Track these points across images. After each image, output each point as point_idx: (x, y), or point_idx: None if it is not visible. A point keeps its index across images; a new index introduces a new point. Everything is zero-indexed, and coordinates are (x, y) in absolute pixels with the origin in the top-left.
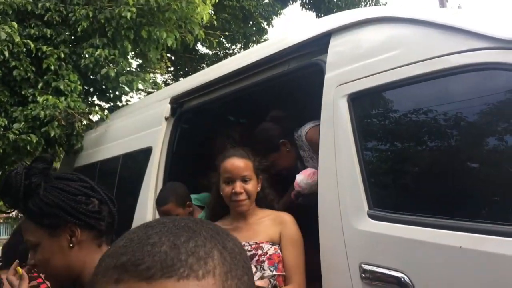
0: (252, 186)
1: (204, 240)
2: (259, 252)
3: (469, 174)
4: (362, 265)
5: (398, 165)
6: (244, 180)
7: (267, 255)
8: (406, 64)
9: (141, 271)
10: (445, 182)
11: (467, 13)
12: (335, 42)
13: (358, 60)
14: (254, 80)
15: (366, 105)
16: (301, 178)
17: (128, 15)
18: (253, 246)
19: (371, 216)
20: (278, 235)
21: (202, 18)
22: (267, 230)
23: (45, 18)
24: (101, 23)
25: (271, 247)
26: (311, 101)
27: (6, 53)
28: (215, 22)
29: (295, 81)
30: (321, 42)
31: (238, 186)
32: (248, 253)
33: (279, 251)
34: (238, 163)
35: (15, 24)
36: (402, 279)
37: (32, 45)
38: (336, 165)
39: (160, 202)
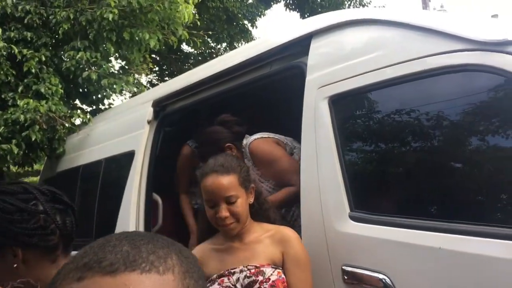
0: (241, 205)
1: (162, 244)
2: (260, 278)
3: (449, 175)
4: (344, 267)
5: (379, 167)
6: (229, 201)
7: (270, 281)
8: (386, 66)
9: (105, 267)
10: (425, 184)
11: (446, 15)
12: (316, 44)
13: (339, 62)
14: (236, 82)
15: (347, 107)
16: None
17: (110, 16)
18: (252, 271)
19: (353, 218)
20: (281, 256)
21: (185, 18)
22: (267, 250)
23: (25, 21)
24: (82, 26)
25: (273, 271)
26: (294, 102)
27: None
28: (199, 22)
29: (278, 82)
30: (302, 44)
31: (223, 210)
32: (247, 280)
33: (283, 276)
34: (219, 181)
35: None
36: (383, 280)
37: (16, 50)
38: (318, 167)
39: None
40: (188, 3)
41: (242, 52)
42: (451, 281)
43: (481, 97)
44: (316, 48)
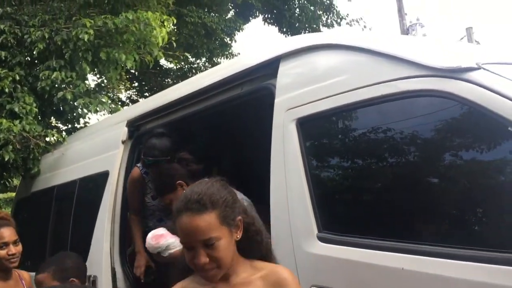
0: (223, 249)
1: None
2: None
3: (412, 197)
4: (313, 287)
5: (346, 188)
6: (208, 244)
7: None
8: (350, 90)
9: None
10: (389, 205)
11: (410, 40)
12: (284, 67)
13: (306, 85)
14: (209, 102)
15: (314, 128)
16: (149, 237)
17: (86, 37)
18: None
19: (321, 239)
20: None
21: (160, 41)
22: None
23: (0, 41)
24: (57, 45)
25: None
26: (264, 123)
27: None
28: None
29: (249, 104)
30: (271, 67)
31: (201, 256)
32: None
33: None
34: (194, 223)
35: None
36: None
37: None
38: (287, 188)
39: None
40: (163, 26)
41: (215, 73)
42: None
43: (439, 120)
44: (284, 70)
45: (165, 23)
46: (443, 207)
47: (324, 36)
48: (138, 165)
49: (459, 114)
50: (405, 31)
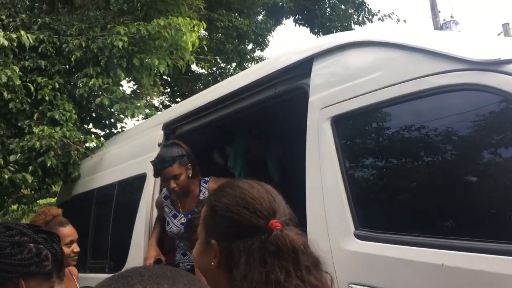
0: None
1: (184, 285)
2: None
3: (451, 192)
4: (351, 285)
5: (382, 185)
6: None
7: None
8: (386, 86)
9: None
10: (428, 201)
11: (444, 35)
12: (317, 66)
13: (340, 83)
14: (243, 104)
15: (349, 127)
16: None
17: (120, 44)
18: None
19: (358, 236)
20: None
21: (190, 46)
22: None
23: (39, 50)
24: (94, 53)
25: None
26: (299, 123)
27: (5, 94)
28: (205, 45)
29: (283, 104)
30: (304, 67)
31: None
32: None
33: None
34: None
35: (16, 68)
36: None
37: (32, 88)
38: (322, 186)
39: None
40: (193, 31)
41: (248, 75)
42: None
43: (477, 115)
44: (318, 70)
45: (196, 28)
46: (482, 203)
47: (356, 34)
48: (164, 190)
49: (499, 108)
50: (439, 29)
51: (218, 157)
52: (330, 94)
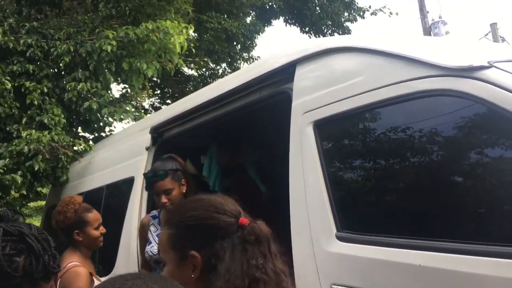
0: None
1: None
2: None
3: (429, 195)
4: (334, 286)
5: (363, 188)
6: None
7: None
8: (366, 91)
9: None
10: (406, 203)
11: (425, 41)
12: (300, 71)
13: (322, 88)
14: (229, 108)
15: (331, 131)
16: None
17: (109, 48)
18: None
19: (339, 238)
20: None
21: (178, 48)
22: None
23: (27, 54)
24: (82, 57)
25: None
26: (284, 127)
27: None
28: (193, 47)
29: (267, 108)
30: (288, 71)
31: None
32: None
33: None
34: None
35: (2, 66)
36: None
37: (10, 85)
38: (305, 189)
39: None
40: (181, 33)
41: (234, 79)
42: None
43: (452, 120)
44: (301, 74)
45: (184, 31)
46: (459, 205)
47: (339, 39)
48: (153, 211)
49: (472, 113)
50: (427, 29)
51: (191, 166)
52: (313, 99)
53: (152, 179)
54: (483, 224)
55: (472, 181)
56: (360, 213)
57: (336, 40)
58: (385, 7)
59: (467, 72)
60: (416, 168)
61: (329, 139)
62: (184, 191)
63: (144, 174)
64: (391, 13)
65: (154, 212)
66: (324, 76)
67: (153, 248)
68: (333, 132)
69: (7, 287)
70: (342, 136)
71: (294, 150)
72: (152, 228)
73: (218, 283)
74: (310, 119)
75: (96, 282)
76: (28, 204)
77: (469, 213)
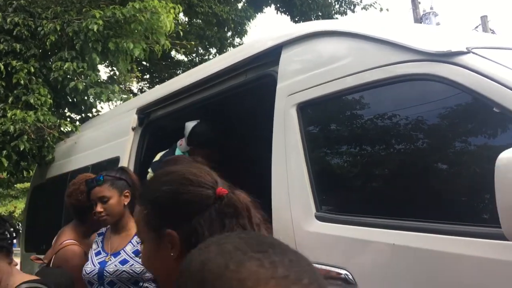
0: None
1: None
2: None
3: (403, 176)
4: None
5: (343, 169)
6: None
7: None
8: (348, 75)
9: (306, 285)
10: (383, 185)
11: (408, 27)
12: (285, 54)
13: (306, 71)
14: (215, 90)
15: (314, 113)
16: None
17: (95, 27)
18: None
19: (318, 218)
20: None
21: (167, 27)
22: None
23: (14, 33)
24: (69, 37)
25: None
26: (268, 109)
27: None
28: (181, 30)
29: (253, 91)
30: (273, 54)
31: None
32: None
33: None
34: None
35: None
36: (345, 275)
37: (7, 70)
38: (287, 170)
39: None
40: (169, 13)
41: (220, 61)
42: (404, 275)
43: (431, 104)
44: (286, 57)
45: (171, 11)
46: (432, 186)
47: (324, 23)
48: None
49: (449, 97)
50: (419, 20)
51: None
52: (297, 81)
53: (90, 185)
54: (458, 206)
55: (448, 165)
56: (340, 193)
57: (321, 24)
58: (376, 2)
59: (445, 57)
60: (393, 150)
61: (312, 121)
62: (125, 203)
63: (86, 181)
64: (381, 9)
65: (103, 230)
66: (309, 59)
67: (86, 267)
68: (316, 114)
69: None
70: (324, 118)
71: (278, 131)
72: (93, 246)
73: None
74: (294, 101)
75: None
76: (15, 185)
77: (440, 193)
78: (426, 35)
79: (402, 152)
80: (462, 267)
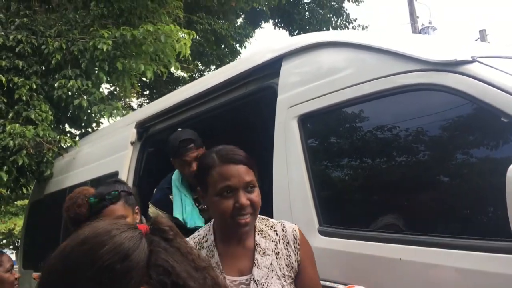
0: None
1: None
2: None
3: (410, 190)
4: None
5: (346, 183)
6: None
7: None
8: (350, 86)
9: None
10: (387, 198)
11: (407, 37)
12: (286, 65)
13: (307, 83)
14: (215, 103)
15: (315, 125)
16: None
17: (104, 47)
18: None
19: (321, 232)
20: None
21: (183, 52)
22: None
23: (17, 50)
24: (74, 55)
25: None
26: (269, 122)
27: None
28: (189, 55)
29: (253, 103)
30: (274, 66)
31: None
32: None
33: None
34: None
35: None
36: None
37: (4, 79)
38: (289, 183)
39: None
40: (184, 38)
41: (219, 74)
42: None
43: (436, 115)
44: (286, 69)
45: (186, 37)
46: (439, 198)
47: (324, 34)
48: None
49: (455, 107)
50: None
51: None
52: (298, 93)
53: (99, 204)
54: (464, 219)
55: (455, 177)
56: (342, 207)
57: (322, 35)
58: (367, 27)
59: (450, 66)
60: (398, 163)
61: (313, 134)
62: (138, 221)
63: (90, 200)
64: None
65: None
66: (310, 71)
67: None
68: (317, 127)
69: None
70: (326, 130)
71: (279, 144)
72: None
73: None
74: (295, 113)
75: None
76: (15, 202)
77: (451, 208)
78: (428, 45)
79: (407, 164)
80: (471, 283)
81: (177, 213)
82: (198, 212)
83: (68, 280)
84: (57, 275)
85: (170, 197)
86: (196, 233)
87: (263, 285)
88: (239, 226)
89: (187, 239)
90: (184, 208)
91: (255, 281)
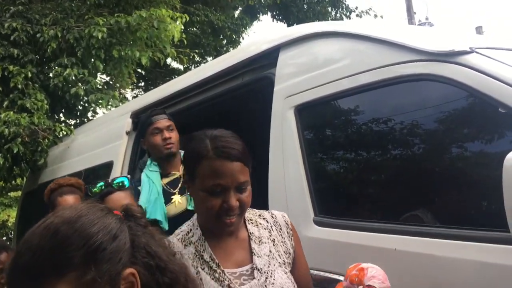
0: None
1: None
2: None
3: (405, 180)
4: (311, 271)
5: (342, 173)
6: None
7: None
8: (347, 76)
9: None
10: (383, 189)
11: (404, 27)
12: (283, 56)
13: (304, 73)
14: (211, 93)
15: (311, 115)
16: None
17: (100, 35)
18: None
19: (317, 223)
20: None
21: (173, 36)
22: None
23: (12, 38)
24: (69, 43)
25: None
26: (265, 112)
27: None
28: (185, 41)
29: (250, 93)
30: (271, 56)
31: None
32: None
33: None
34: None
35: None
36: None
37: (5, 74)
38: (284, 173)
39: None
40: (175, 21)
41: (216, 64)
42: (406, 280)
43: (434, 105)
44: (284, 59)
45: (180, 20)
46: (435, 189)
47: (321, 24)
48: None
49: (452, 97)
50: None
51: None
52: (295, 84)
53: (105, 189)
54: (461, 209)
55: (452, 167)
56: (339, 197)
57: (319, 25)
58: (371, 9)
59: (448, 57)
60: (395, 153)
61: (310, 124)
62: None
63: (87, 187)
64: (376, 16)
65: None
66: (307, 61)
67: None
68: (314, 117)
69: None
70: (322, 120)
71: (275, 134)
72: None
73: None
74: (291, 103)
75: None
76: (8, 193)
77: (442, 198)
78: (426, 35)
79: (403, 155)
80: (466, 273)
81: (142, 201)
82: (163, 202)
83: (57, 259)
84: (43, 254)
85: (139, 188)
86: (178, 230)
87: (267, 273)
88: (224, 226)
89: (169, 237)
90: (150, 196)
91: (258, 269)
